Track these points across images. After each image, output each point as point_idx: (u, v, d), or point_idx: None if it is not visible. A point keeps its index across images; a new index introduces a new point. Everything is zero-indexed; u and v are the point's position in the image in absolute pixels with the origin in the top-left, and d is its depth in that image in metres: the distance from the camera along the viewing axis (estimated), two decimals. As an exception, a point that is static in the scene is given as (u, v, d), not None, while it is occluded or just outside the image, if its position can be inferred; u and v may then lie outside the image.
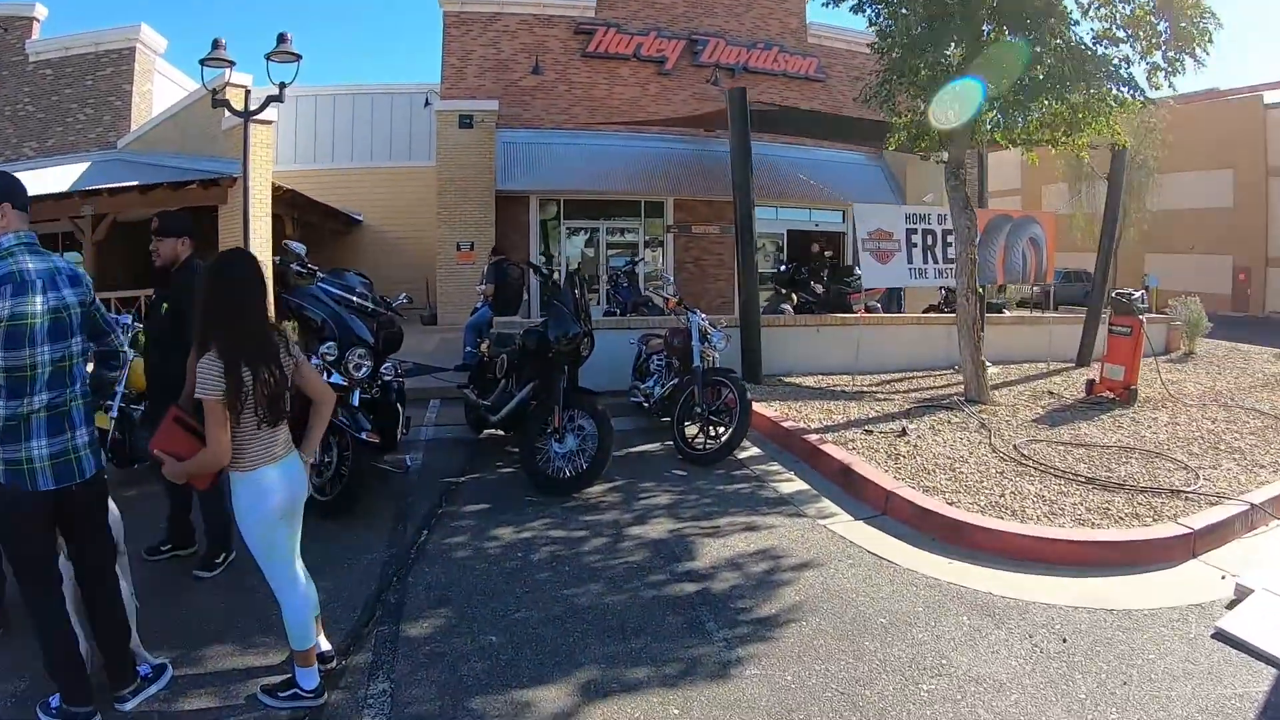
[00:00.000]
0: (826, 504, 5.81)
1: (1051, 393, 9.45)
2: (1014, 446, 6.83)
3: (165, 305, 4.25)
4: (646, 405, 7.71)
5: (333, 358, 5.22)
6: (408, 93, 22.97)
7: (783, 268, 14.66)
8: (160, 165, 16.00)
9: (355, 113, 23.22)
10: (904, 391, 9.45)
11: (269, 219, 14.54)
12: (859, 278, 12.85)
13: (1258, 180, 32.17)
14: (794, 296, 13.61)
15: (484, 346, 7.42)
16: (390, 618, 3.97)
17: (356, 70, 77.62)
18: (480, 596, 4.18)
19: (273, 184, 15.87)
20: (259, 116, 13.42)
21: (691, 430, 6.96)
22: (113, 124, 18.93)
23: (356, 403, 5.38)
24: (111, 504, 3.48)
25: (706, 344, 7.08)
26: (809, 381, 9.88)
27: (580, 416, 5.84)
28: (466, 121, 17.28)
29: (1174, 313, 13.40)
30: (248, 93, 12.63)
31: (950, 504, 5.49)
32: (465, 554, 4.74)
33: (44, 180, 15.22)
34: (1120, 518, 5.26)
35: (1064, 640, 3.84)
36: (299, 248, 5.53)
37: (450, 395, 9.25)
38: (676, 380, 7.33)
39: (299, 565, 3.26)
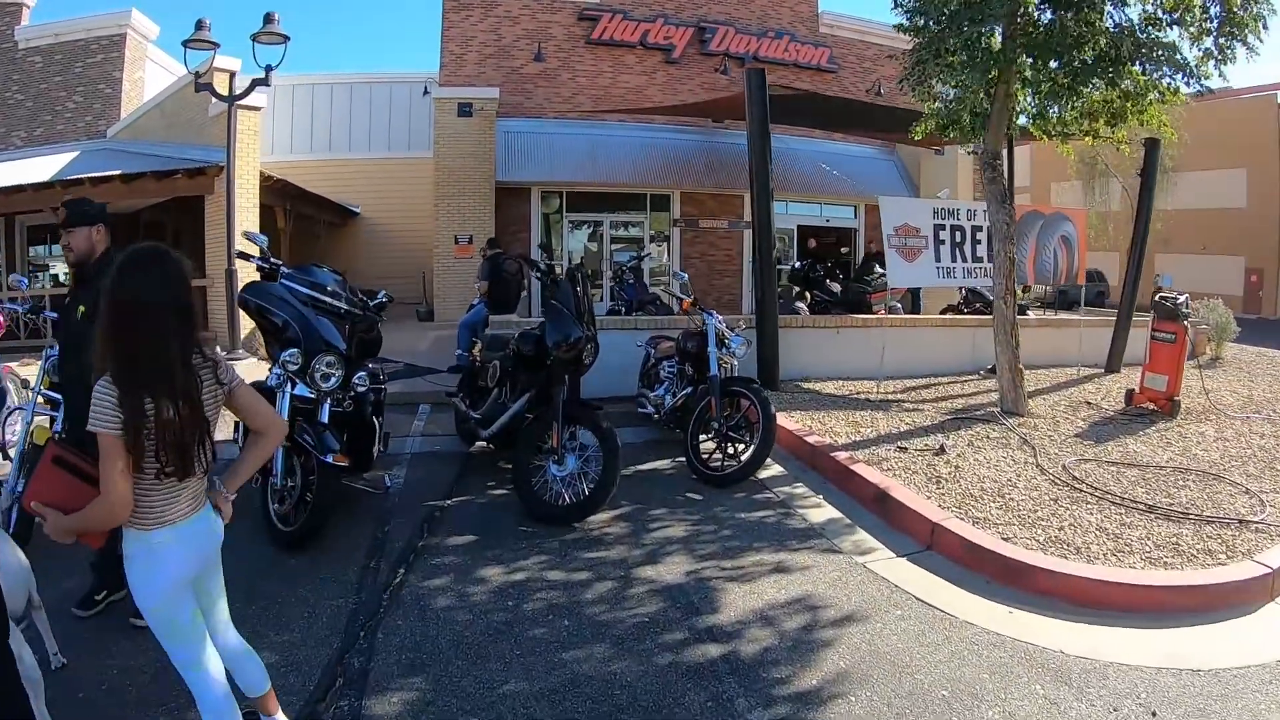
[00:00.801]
0: (863, 536, 5.11)
1: (1089, 403, 8.76)
2: (1063, 467, 6.17)
3: (81, 309, 3.53)
4: (656, 416, 7.00)
5: (296, 366, 4.51)
6: (407, 82, 22.27)
7: (797, 265, 13.92)
8: (149, 154, 15.37)
9: (353, 102, 22.59)
10: (933, 400, 8.75)
11: (257, 210, 13.83)
12: (881, 276, 12.17)
13: (1271, 180, 31.56)
14: (808, 295, 12.87)
15: (475, 350, 6.73)
16: (353, 689, 3.26)
17: (355, 58, 76.76)
18: (462, 661, 3.47)
19: (263, 174, 15.16)
20: (246, 102, 12.80)
21: (707, 446, 6.26)
22: (103, 112, 18.41)
23: (325, 418, 4.68)
24: (10, 551, 2.80)
25: (724, 350, 6.36)
26: (829, 388, 9.19)
27: (582, 434, 5.14)
28: (466, 109, 16.56)
29: (1198, 316, 12.70)
30: (232, 76, 11.92)
31: (1005, 539, 4.81)
32: (446, 601, 4.03)
33: (31, 170, 14.65)
34: (1192, 554, 4.65)
35: (1153, 715, 3.21)
36: (259, 239, 4.82)
37: (441, 400, 8.54)
38: (690, 389, 6.62)
39: (219, 644, 2.55)
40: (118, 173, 13.93)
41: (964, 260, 10.02)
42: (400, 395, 8.75)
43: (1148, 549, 4.69)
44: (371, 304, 5.28)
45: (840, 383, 9.50)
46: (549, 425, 5.08)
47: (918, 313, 14.11)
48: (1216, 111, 31.59)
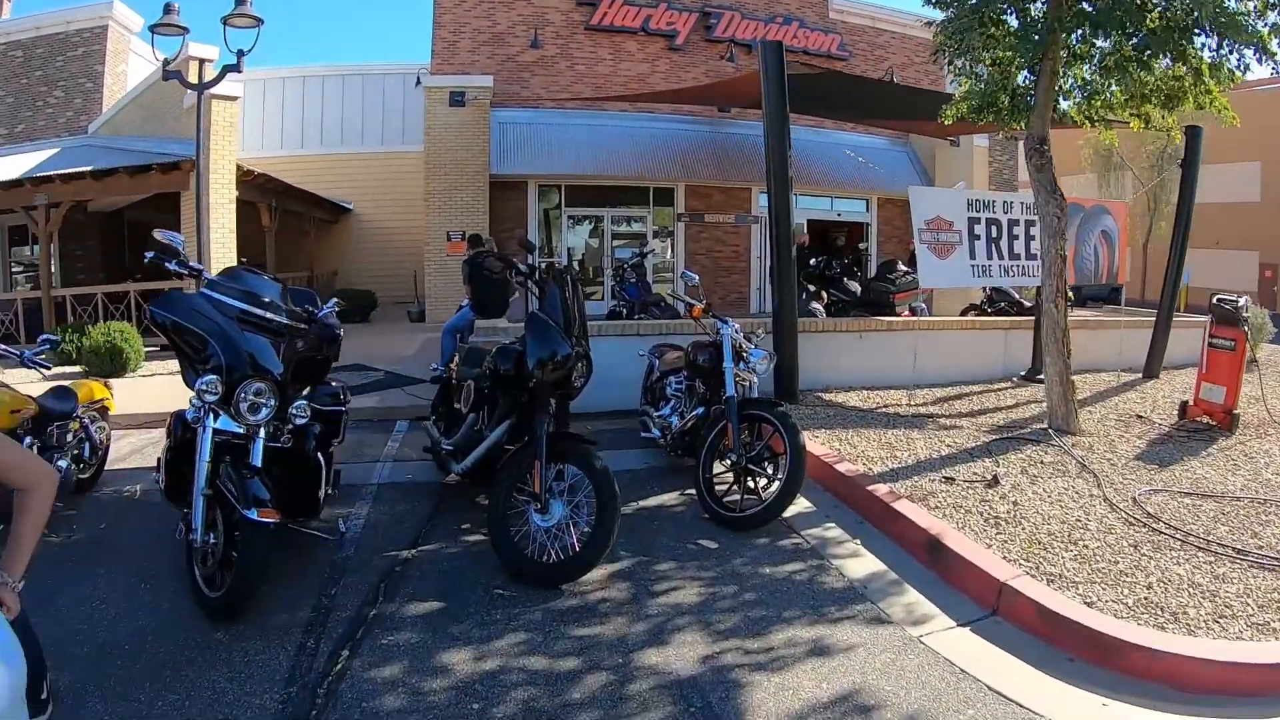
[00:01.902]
0: (914, 598, 4.21)
1: (1139, 416, 7.89)
2: (1133, 500, 5.29)
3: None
4: (662, 440, 6.09)
5: (215, 396, 3.63)
6: (400, 73, 21.47)
7: (812, 262, 12.97)
8: (129, 150, 14.55)
9: (345, 95, 21.82)
10: (970, 415, 7.87)
11: (233, 206, 12.96)
12: (905, 275, 11.27)
13: (1286, 174, 30.71)
14: (824, 295, 11.93)
15: (452, 364, 5.84)
16: None
17: (345, 49, 75.49)
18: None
19: (243, 168, 14.31)
20: (220, 91, 11.99)
21: (722, 478, 5.37)
22: (84, 107, 17.87)
23: (258, 459, 3.80)
24: None
25: (742, 365, 5.46)
26: (853, 399, 8.30)
27: (571, 473, 4.26)
28: (458, 99, 15.72)
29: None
30: (202, 63, 11.03)
31: (1088, 604, 3.92)
32: (398, 702, 3.13)
33: (8, 169, 13.90)
34: (1303, 615, 3.74)
35: None
36: (175, 239, 3.92)
37: (422, 415, 7.69)
38: (701, 410, 5.72)
39: None
40: (88, 169, 13.11)
41: (1000, 257, 9.13)
42: (374, 410, 7.89)
43: (1250, 610, 3.84)
44: (318, 315, 4.38)
45: (864, 393, 8.63)
46: (530, 463, 4.19)
47: (928, 313, 13.19)
48: (1230, 104, 30.58)
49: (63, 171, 13.16)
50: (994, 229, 9.08)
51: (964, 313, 14.37)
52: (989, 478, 5.59)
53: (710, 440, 5.32)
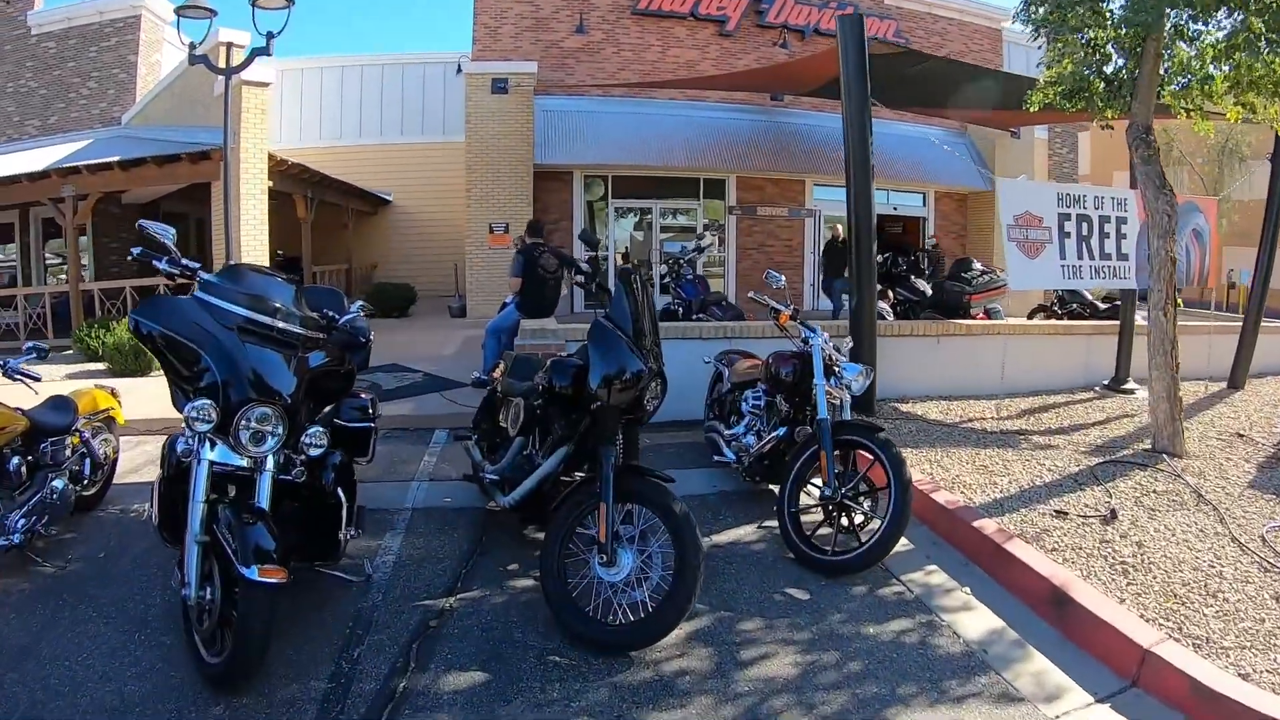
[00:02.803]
0: (1041, 664, 3.48)
1: (1240, 434, 7.04)
2: (1261, 539, 4.51)
3: None
4: (737, 464, 5.33)
5: (209, 425, 2.94)
6: (440, 62, 21.00)
7: (882, 259, 12.09)
8: (161, 140, 14.14)
9: (384, 85, 21.38)
10: (1061, 430, 7.07)
11: (264, 197, 12.40)
12: (982, 274, 10.40)
13: (1347, 168, 28.74)
14: (890, 294, 11.04)
15: (497, 372, 5.13)
16: None
17: (384, 38, 74.69)
18: None
19: (276, 158, 13.79)
20: (252, 77, 11.46)
21: (807, 500, 4.61)
22: (117, 98, 17.72)
23: (265, 499, 3.11)
24: None
25: (834, 381, 4.68)
26: (933, 411, 7.51)
27: (642, 515, 3.52)
28: (500, 86, 15.04)
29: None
30: (230, 47, 10.46)
31: (1242, 675, 3.19)
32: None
33: (39, 160, 13.57)
34: None
35: None
36: (164, 231, 3.22)
37: (464, 426, 7.04)
38: (783, 431, 4.93)
39: None
40: (115, 159, 12.66)
41: (1091, 257, 8.24)
42: (409, 418, 7.22)
43: None
44: (340, 320, 3.69)
45: (943, 403, 7.86)
46: (593, 503, 3.46)
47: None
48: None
49: (89, 162, 12.73)
50: (1084, 226, 8.21)
51: (1031, 315, 13.50)
52: (1105, 512, 4.82)
53: (797, 469, 4.55)
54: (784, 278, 5.08)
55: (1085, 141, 28.77)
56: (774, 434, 4.95)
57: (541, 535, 4.38)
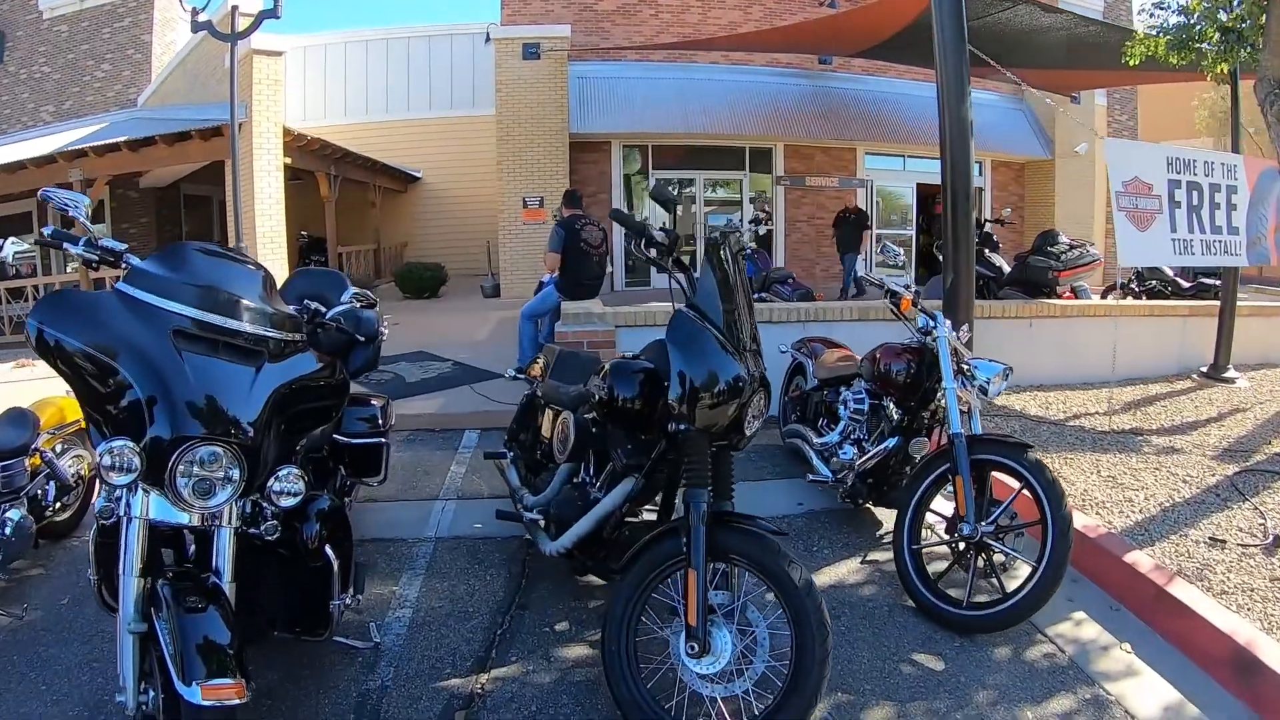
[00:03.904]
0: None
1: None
2: None
3: None
4: (834, 482, 4.30)
5: (130, 474, 2.02)
6: (467, 33, 20.12)
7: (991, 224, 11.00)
8: (175, 119, 13.40)
9: (410, 58, 20.59)
10: (1176, 429, 6.12)
11: (280, 174, 11.59)
12: (1070, 248, 9.27)
13: None
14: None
15: (535, 369, 4.19)
16: None
17: (409, 10, 72.68)
18: None
19: (295, 133, 12.98)
20: (264, 46, 10.65)
21: (927, 531, 3.64)
22: (133, 79, 17.28)
23: (224, 564, 2.22)
24: None
25: (962, 382, 3.69)
26: (1031, 405, 6.58)
27: (745, 581, 2.58)
28: (532, 51, 14.04)
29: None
30: (234, 10, 9.60)
31: None
32: None
33: (52, 146, 12.93)
34: None
35: None
36: (69, 202, 2.28)
37: (498, 425, 6.15)
38: (895, 443, 3.95)
39: None
40: (123, 139, 11.93)
41: (1202, 230, 7.13)
42: (435, 417, 6.33)
43: None
44: (327, 315, 2.78)
45: (1039, 394, 6.95)
46: (676, 565, 2.52)
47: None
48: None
49: (95, 144, 12.02)
50: (1195, 195, 7.10)
51: (1105, 293, 12.39)
52: (1266, 539, 3.88)
53: (920, 494, 3.56)
54: (901, 251, 4.07)
55: (1129, 106, 27.18)
56: (883, 446, 3.96)
57: (597, 581, 3.47)
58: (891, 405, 3.97)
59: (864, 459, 4.01)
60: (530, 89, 14.12)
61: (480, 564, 3.83)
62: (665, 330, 2.58)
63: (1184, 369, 8.00)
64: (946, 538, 3.63)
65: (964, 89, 5.86)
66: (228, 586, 2.24)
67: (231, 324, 2.26)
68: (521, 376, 4.30)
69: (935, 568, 3.62)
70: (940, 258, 6.33)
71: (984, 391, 3.69)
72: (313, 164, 14.51)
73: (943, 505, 3.73)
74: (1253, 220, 7.43)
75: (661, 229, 2.64)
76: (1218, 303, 8.04)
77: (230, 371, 2.22)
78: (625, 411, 2.76)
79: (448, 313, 12.89)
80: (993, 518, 3.45)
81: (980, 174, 18.04)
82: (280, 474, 2.27)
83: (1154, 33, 7.12)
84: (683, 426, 2.49)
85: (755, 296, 7.96)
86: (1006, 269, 10.03)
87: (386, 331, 3.85)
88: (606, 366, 2.85)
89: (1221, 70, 6.58)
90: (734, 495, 2.65)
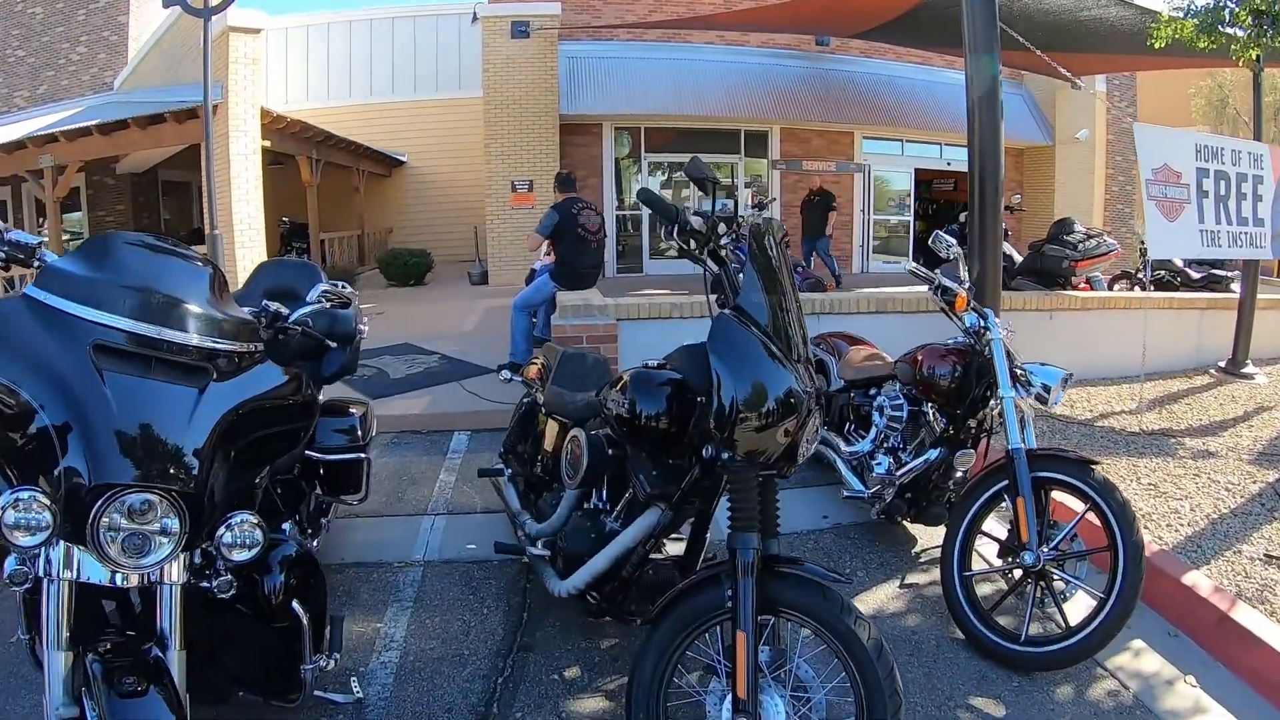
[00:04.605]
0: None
1: None
2: None
3: None
4: (868, 497, 3.86)
5: (39, 535, 1.58)
6: (454, 13, 19.52)
7: (963, 218, 10.51)
8: (153, 102, 12.83)
9: (395, 39, 20.04)
10: (1205, 429, 5.81)
11: (258, 157, 11.06)
12: (1088, 238, 8.92)
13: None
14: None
15: (533, 370, 3.74)
16: None
17: None
18: None
19: (273, 114, 12.45)
20: (239, 23, 10.14)
21: (978, 561, 3.25)
22: (109, 62, 16.89)
23: (169, 628, 1.78)
24: None
25: (1021, 389, 3.29)
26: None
27: (797, 635, 2.16)
28: (521, 29, 13.55)
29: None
30: (211, -16, 9.10)
31: None
32: None
33: (24, 132, 12.37)
34: None
35: None
36: None
37: (488, 424, 5.73)
38: (937, 454, 3.55)
39: None
40: (94, 123, 11.38)
41: (1229, 222, 6.82)
42: (422, 418, 5.89)
43: None
44: (290, 318, 2.35)
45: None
46: (716, 618, 2.10)
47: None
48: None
49: (65, 129, 11.46)
50: (1222, 184, 6.78)
51: (1112, 284, 12.03)
52: None
53: (972, 515, 3.17)
54: (955, 242, 3.63)
55: (1128, 95, 26.87)
56: (924, 458, 3.55)
57: (606, 619, 3.05)
58: (934, 412, 3.56)
59: (902, 471, 3.59)
60: (519, 69, 13.65)
61: (475, 593, 3.40)
62: (709, 338, 2.14)
63: (1201, 363, 7.73)
64: (1000, 564, 3.25)
65: (994, 70, 5.47)
66: (175, 656, 1.81)
67: (168, 335, 1.82)
68: (517, 379, 3.85)
69: (980, 591, 3.24)
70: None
71: (1041, 400, 3.29)
72: (294, 147, 13.97)
73: (991, 524, 3.35)
74: (1277, 212, 7.12)
75: (697, 213, 2.21)
76: (1236, 295, 7.75)
77: (166, 395, 1.77)
78: (649, 431, 2.33)
79: (434, 301, 12.41)
80: (1055, 542, 3.06)
81: (980, 159, 17.70)
82: (233, 521, 1.83)
83: (1180, 15, 6.82)
84: (725, 454, 2.06)
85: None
86: (1018, 258, 9.68)
87: (366, 329, 3.42)
88: (626, 378, 2.42)
89: (1252, 56, 6.27)
90: (779, 531, 2.22)
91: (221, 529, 1.82)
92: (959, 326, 3.50)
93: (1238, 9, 6.02)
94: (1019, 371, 3.31)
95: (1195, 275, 10.98)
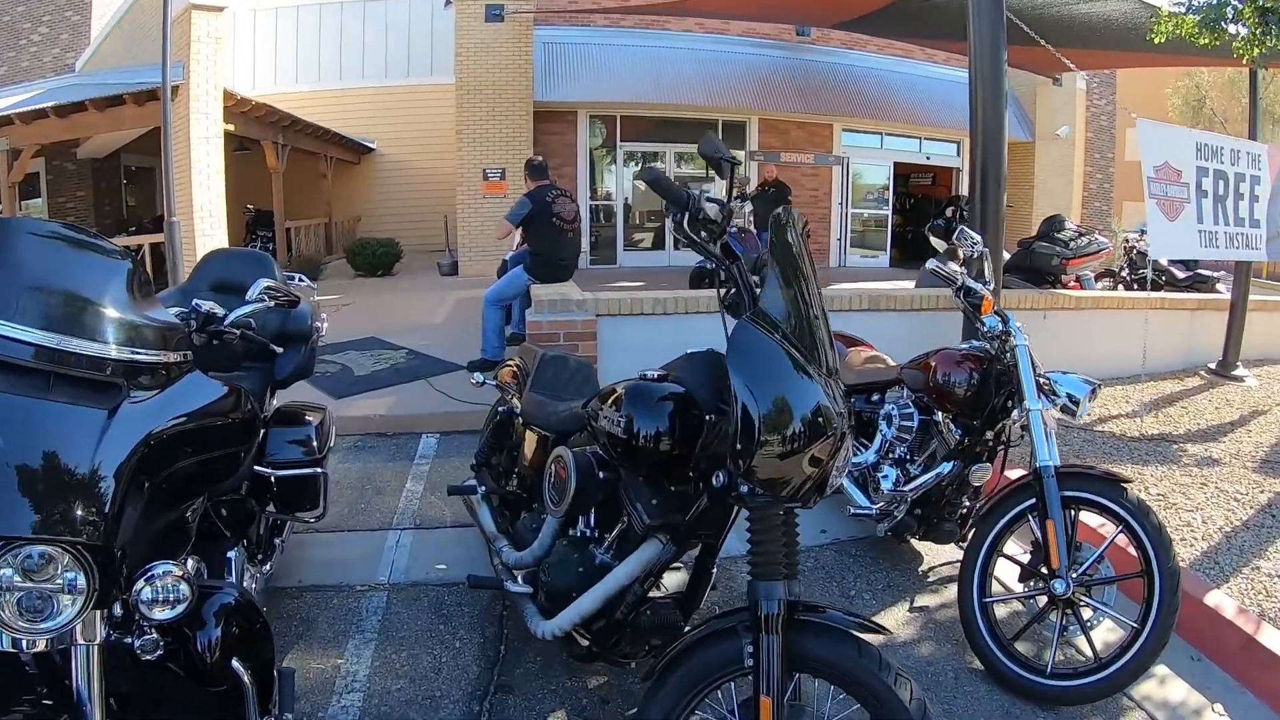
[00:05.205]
0: None
1: None
2: None
3: None
4: (879, 517, 3.53)
5: None
6: (426, -3, 18.99)
7: (950, 212, 10.25)
8: (114, 84, 12.28)
9: (366, 23, 19.53)
10: (1204, 434, 5.68)
11: (220, 141, 10.58)
12: (1079, 235, 8.75)
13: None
14: (960, 254, 9.18)
15: (507, 373, 3.40)
16: None
17: None
18: None
19: (240, 97, 11.96)
20: (200, 1, 9.64)
21: (995, 584, 2.99)
22: (71, 43, 16.19)
23: (86, 691, 1.44)
24: None
25: (1047, 400, 3.02)
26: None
27: (830, 695, 1.87)
28: (495, 13, 13.15)
29: None
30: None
31: None
32: None
33: None
34: None
35: None
36: None
37: (458, 425, 5.41)
38: (950, 467, 3.27)
39: None
40: (50, 105, 10.83)
41: (1227, 222, 6.69)
42: (388, 420, 5.54)
43: None
44: (225, 319, 2.02)
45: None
46: (730, 674, 1.80)
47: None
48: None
49: (19, 110, 10.89)
50: (1221, 184, 6.65)
51: (1098, 280, 11.93)
52: None
53: (993, 537, 2.90)
54: (980, 238, 3.35)
55: (1074, 94, 26.69)
56: (935, 471, 3.28)
57: (599, 677, 2.74)
58: (949, 423, 3.28)
59: (912, 486, 3.31)
60: (493, 54, 13.25)
61: (447, 622, 3.06)
62: (728, 347, 1.83)
63: (1191, 364, 7.63)
64: (1022, 589, 3.00)
65: (1000, 62, 5.22)
66: (94, 720, 1.49)
67: (74, 345, 1.48)
68: (491, 382, 3.51)
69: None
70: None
71: (1069, 412, 3.03)
72: (259, 132, 13.47)
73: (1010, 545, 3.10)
74: (1273, 213, 7.01)
75: (711, 199, 1.91)
76: (1224, 296, 7.63)
77: (68, 419, 1.44)
78: (649, 453, 2.02)
79: (402, 292, 12.01)
80: (1084, 567, 2.81)
81: (958, 154, 17.61)
82: (154, 574, 1.49)
83: (1181, 10, 6.67)
84: (745, 487, 1.76)
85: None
86: (1005, 255, 9.47)
87: (324, 326, 3.09)
88: (621, 391, 2.10)
89: (1254, 54, 6.13)
90: (798, 571, 1.92)
91: (140, 583, 1.49)
92: (983, 331, 3.21)
93: (1242, 6, 5.83)
94: (1043, 381, 3.04)
95: (1181, 275, 10.86)
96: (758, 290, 1.86)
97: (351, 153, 19.01)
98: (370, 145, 19.29)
